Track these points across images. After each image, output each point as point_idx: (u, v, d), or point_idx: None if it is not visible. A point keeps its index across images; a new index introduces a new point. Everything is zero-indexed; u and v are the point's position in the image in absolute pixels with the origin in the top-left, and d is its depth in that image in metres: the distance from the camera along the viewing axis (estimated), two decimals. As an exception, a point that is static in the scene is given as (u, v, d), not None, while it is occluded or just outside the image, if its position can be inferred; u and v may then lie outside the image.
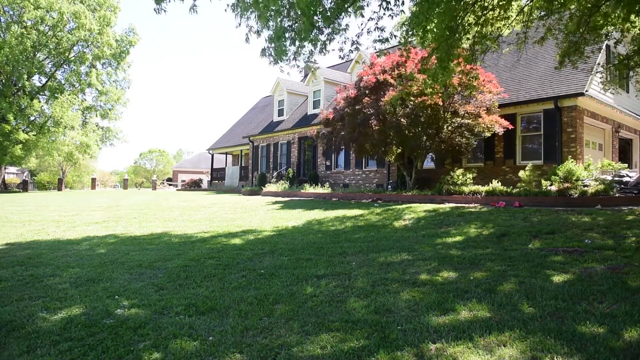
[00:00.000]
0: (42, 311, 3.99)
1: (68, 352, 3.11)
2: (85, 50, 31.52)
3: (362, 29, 6.96)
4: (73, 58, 31.43)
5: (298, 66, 7.00)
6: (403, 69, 13.34)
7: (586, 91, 12.51)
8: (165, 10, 6.27)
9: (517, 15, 7.78)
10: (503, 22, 7.63)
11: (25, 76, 28.99)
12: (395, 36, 7.03)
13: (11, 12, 29.23)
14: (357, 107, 13.73)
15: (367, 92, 13.93)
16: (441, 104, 12.45)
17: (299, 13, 6.20)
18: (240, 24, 6.48)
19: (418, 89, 12.02)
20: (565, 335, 2.99)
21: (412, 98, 12.34)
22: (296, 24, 6.42)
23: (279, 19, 6.33)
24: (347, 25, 6.82)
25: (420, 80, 9.33)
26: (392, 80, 13.50)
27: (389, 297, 4.04)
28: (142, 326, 3.54)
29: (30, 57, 28.89)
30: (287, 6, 6.33)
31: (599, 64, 11.92)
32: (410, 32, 6.69)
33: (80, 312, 3.95)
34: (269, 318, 3.66)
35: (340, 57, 7.18)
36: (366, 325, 3.36)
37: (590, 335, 3.00)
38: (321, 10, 6.25)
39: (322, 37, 6.71)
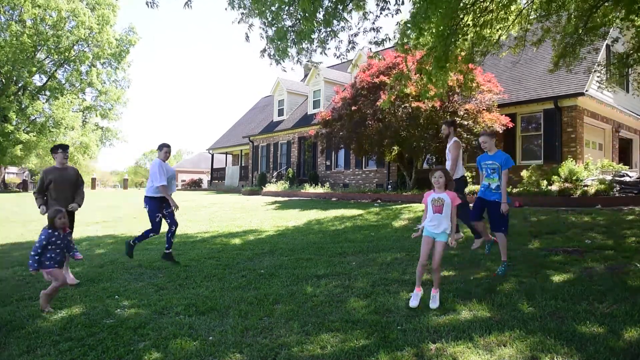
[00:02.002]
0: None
1: (68, 352, 3.11)
2: (85, 49, 31.48)
3: (359, 29, 6.93)
4: (73, 57, 31.41)
5: (300, 62, 6.99)
6: (398, 69, 13.30)
7: (586, 91, 12.51)
8: (157, 5, 6.28)
9: (515, 17, 7.76)
10: (502, 24, 7.61)
11: (26, 75, 28.97)
12: (390, 39, 6.99)
13: (11, 12, 29.21)
14: (354, 108, 13.72)
15: (364, 92, 13.92)
16: (439, 105, 12.41)
17: (301, 14, 6.20)
18: (239, 21, 6.48)
19: (414, 89, 11.98)
20: (565, 335, 2.99)
21: (410, 99, 12.32)
22: (297, 25, 6.41)
23: (280, 19, 6.32)
24: (345, 24, 6.80)
25: (415, 80, 9.24)
26: (388, 81, 13.48)
27: (389, 297, 4.04)
28: (142, 326, 3.54)
29: (30, 57, 28.88)
30: (289, 6, 6.33)
31: (599, 63, 11.91)
32: (408, 33, 6.66)
33: (80, 312, 3.96)
34: (269, 318, 3.66)
35: (336, 56, 7.12)
36: (366, 325, 3.36)
37: (590, 335, 3.00)
38: (323, 12, 6.25)
39: (322, 36, 6.70)
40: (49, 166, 5.48)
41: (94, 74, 31.93)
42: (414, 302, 3.77)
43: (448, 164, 6.01)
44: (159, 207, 5.91)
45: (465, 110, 12.58)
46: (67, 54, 30.80)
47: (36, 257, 3.92)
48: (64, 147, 5.37)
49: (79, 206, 5.39)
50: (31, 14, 27.78)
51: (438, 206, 3.81)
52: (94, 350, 3.12)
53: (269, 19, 6.30)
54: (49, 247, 3.98)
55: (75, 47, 31.25)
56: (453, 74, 7.77)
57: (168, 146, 6.07)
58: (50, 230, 4.00)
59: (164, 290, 4.62)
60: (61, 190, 5.21)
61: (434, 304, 3.69)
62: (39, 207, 5.30)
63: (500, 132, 12.94)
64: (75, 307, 4.08)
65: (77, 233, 9.04)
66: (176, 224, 6.07)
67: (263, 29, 6.56)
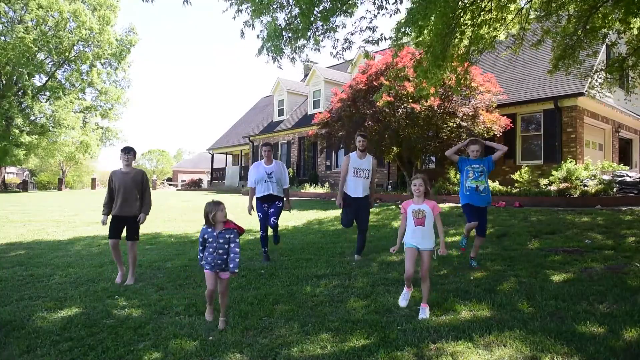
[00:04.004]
0: (42, 311, 3.99)
1: (68, 352, 3.11)
2: (85, 49, 31.46)
3: (355, 28, 6.86)
4: (73, 58, 31.40)
5: (294, 60, 6.94)
6: (396, 67, 13.25)
7: (586, 91, 12.49)
8: (152, 0, 6.28)
9: (514, 17, 7.75)
10: (500, 23, 7.60)
11: (27, 76, 28.95)
12: (386, 38, 6.93)
13: (12, 14, 29.19)
14: (352, 110, 13.72)
15: (362, 94, 13.90)
16: (436, 105, 12.37)
17: (297, 11, 6.18)
18: (235, 17, 6.45)
19: (412, 89, 11.96)
20: (565, 335, 2.99)
21: (410, 100, 12.31)
22: (294, 22, 6.39)
23: (270, 10, 6.28)
24: (343, 23, 6.75)
25: (412, 79, 9.19)
26: (387, 82, 13.46)
27: (389, 297, 4.04)
28: (142, 326, 3.54)
29: (31, 57, 28.87)
30: (284, 3, 6.31)
31: (597, 65, 11.89)
32: (404, 31, 6.62)
33: (80, 312, 3.95)
34: (269, 318, 3.66)
35: (332, 55, 7.04)
36: (366, 325, 3.36)
37: (590, 335, 3.00)
38: (320, 9, 6.22)
39: (317, 34, 6.67)
40: (117, 169, 5.26)
41: (94, 74, 31.90)
42: (402, 302, 3.72)
43: (363, 181, 5.88)
44: (260, 206, 6.04)
45: (463, 112, 12.54)
46: (67, 54, 30.79)
47: (200, 255, 3.61)
48: (125, 150, 5.11)
49: (146, 214, 5.16)
50: (35, 15, 27.81)
51: (420, 219, 3.66)
52: (94, 350, 3.12)
53: (262, 13, 6.21)
54: (206, 244, 3.58)
55: (75, 48, 31.23)
56: (450, 73, 7.74)
57: (265, 145, 6.14)
58: (204, 227, 3.61)
59: (164, 290, 4.62)
60: (123, 193, 5.01)
61: (423, 315, 3.51)
62: (102, 216, 5.17)
63: (499, 134, 12.91)
64: (75, 307, 4.08)
65: (78, 233, 9.04)
66: (272, 225, 6.01)
67: (250, 21, 6.46)
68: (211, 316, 3.64)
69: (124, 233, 5.15)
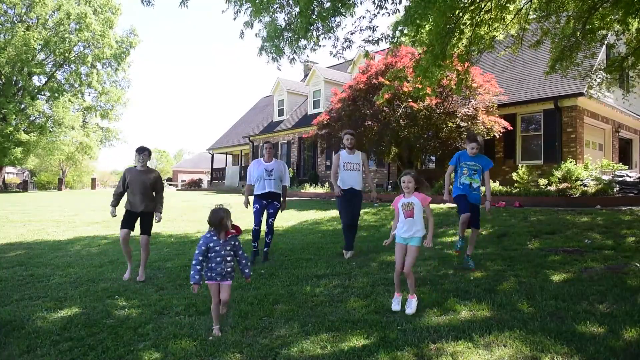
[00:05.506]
0: (42, 311, 3.99)
1: (68, 352, 3.11)
2: (86, 50, 31.48)
3: (355, 27, 6.85)
4: (74, 58, 31.40)
5: (294, 60, 6.94)
6: (396, 67, 13.25)
7: (586, 91, 12.49)
8: (152, 4, 6.30)
9: (514, 17, 7.75)
10: (499, 23, 7.59)
11: (27, 76, 28.95)
12: (386, 37, 6.92)
13: (11, 12, 29.17)
14: (352, 109, 13.71)
15: (362, 94, 13.90)
16: (434, 104, 12.35)
17: (297, 11, 6.18)
18: (235, 18, 6.47)
19: (410, 89, 11.95)
20: (565, 335, 2.99)
21: (409, 99, 12.30)
22: (293, 23, 6.39)
23: (271, 11, 6.29)
24: (341, 23, 6.74)
25: (411, 79, 9.16)
26: (387, 82, 13.46)
27: (388, 297, 4.04)
28: (142, 326, 3.54)
29: (32, 57, 28.87)
30: (284, 3, 6.31)
31: (597, 65, 11.88)
32: (402, 29, 6.61)
33: (80, 312, 3.96)
34: (269, 318, 3.66)
35: (332, 54, 7.03)
36: (366, 325, 3.36)
37: (590, 335, 3.00)
38: (318, 9, 6.22)
39: (317, 34, 6.67)
40: (132, 166, 5.36)
41: (94, 75, 31.92)
42: (395, 307, 3.73)
43: (355, 173, 6.02)
44: (258, 201, 6.15)
45: (463, 112, 12.52)
46: (66, 55, 30.79)
47: (197, 268, 3.34)
48: (140, 150, 5.18)
49: (161, 212, 5.34)
50: (44, 18, 27.89)
51: (409, 211, 3.76)
52: (94, 350, 3.12)
53: (262, 14, 6.22)
54: (209, 254, 3.39)
55: (75, 49, 31.25)
56: (450, 72, 7.73)
57: (267, 142, 6.30)
58: (208, 235, 3.42)
59: (164, 290, 4.62)
60: (134, 191, 5.11)
61: (409, 309, 3.59)
62: (111, 208, 5.27)
63: (499, 135, 12.89)
64: (75, 307, 4.09)
65: (78, 233, 9.04)
66: (268, 224, 6.14)
67: (249, 21, 6.45)
68: (219, 331, 3.41)
69: (137, 231, 5.20)
